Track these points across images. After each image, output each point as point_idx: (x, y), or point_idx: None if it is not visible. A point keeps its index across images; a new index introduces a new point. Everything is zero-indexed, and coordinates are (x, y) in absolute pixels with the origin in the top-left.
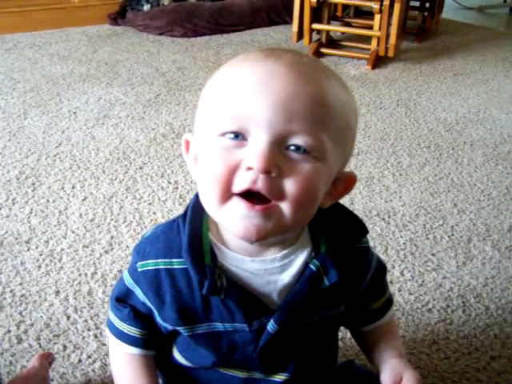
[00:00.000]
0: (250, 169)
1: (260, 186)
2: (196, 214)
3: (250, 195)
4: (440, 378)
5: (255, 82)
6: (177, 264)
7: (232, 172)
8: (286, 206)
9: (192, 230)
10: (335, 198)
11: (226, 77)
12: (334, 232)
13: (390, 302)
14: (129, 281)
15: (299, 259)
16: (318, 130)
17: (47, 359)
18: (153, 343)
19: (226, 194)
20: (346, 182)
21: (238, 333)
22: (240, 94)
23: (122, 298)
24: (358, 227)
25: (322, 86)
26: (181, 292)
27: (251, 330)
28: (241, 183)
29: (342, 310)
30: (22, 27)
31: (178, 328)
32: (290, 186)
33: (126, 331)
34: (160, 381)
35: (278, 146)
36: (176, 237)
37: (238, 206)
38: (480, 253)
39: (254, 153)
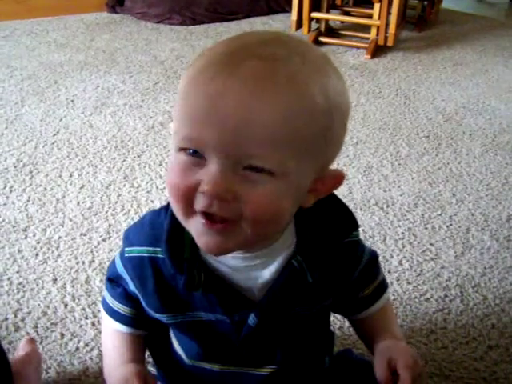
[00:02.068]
0: (204, 193)
1: (215, 210)
2: None
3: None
4: (437, 368)
5: (207, 102)
6: (160, 253)
7: (191, 192)
8: (245, 225)
9: (173, 223)
10: (319, 196)
11: (185, 90)
12: (322, 227)
13: (381, 288)
14: (119, 265)
15: (281, 256)
16: (275, 150)
17: (35, 344)
18: (142, 323)
19: (189, 211)
20: (331, 181)
21: (219, 324)
22: (193, 115)
23: (114, 280)
24: (347, 221)
25: (284, 103)
26: (164, 280)
27: (232, 323)
28: (198, 204)
29: (329, 304)
30: (19, 14)
31: (162, 315)
32: (246, 208)
33: (116, 308)
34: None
35: (233, 168)
36: (161, 226)
37: (200, 222)
38: (478, 243)
39: (208, 178)
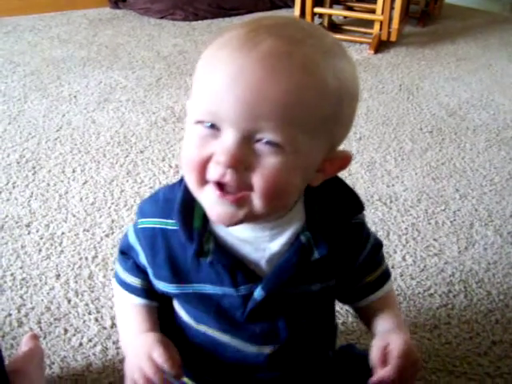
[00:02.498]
0: (218, 163)
1: (228, 179)
2: None
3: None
4: (441, 363)
5: (226, 78)
6: (171, 225)
7: (205, 162)
8: (255, 197)
9: (185, 194)
10: (326, 176)
11: (205, 66)
12: (330, 206)
13: (385, 276)
14: (132, 236)
15: (290, 229)
16: (287, 126)
17: (38, 339)
18: (155, 294)
19: (202, 181)
20: (339, 162)
21: (226, 297)
22: (212, 90)
23: (126, 252)
24: (354, 202)
25: (297, 81)
26: (173, 251)
27: (239, 295)
28: (212, 174)
29: (333, 285)
30: (21, 10)
31: (170, 285)
32: (256, 179)
33: (128, 281)
34: None
35: (247, 141)
36: (174, 199)
37: (212, 192)
38: (482, 238)
39: (222, 149)
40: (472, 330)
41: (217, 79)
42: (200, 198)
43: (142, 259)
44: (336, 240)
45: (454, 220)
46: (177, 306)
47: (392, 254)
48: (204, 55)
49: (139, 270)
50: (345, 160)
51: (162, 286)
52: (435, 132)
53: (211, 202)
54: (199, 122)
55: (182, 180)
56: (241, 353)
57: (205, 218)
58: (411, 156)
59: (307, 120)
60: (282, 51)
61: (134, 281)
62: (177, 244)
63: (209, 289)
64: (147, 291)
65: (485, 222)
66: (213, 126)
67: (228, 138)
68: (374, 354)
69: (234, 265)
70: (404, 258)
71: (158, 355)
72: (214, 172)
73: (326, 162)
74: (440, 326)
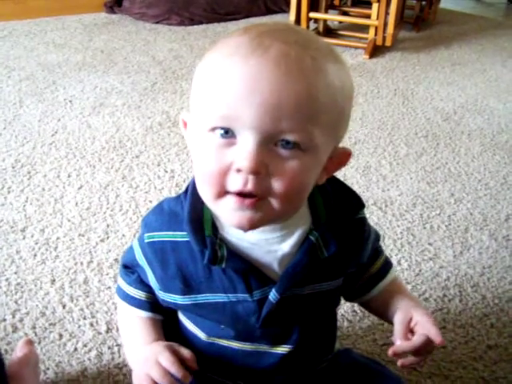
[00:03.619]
0: (239, 170)
1: (250, 187)
2: (197, 188)
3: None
4: (437, 367)
5: (242, 82)
6: (180, 237)
7: (224, 173)
8: (274, 200)
9: (193, 203)
10: (330, 173)
11: (214, 72)
12: (333, 205)
13: (387, 264)
14: (138, 251)
15: (299, 230)
16: (308, 125)
17: (33, 345)
18: (159, 308)
19: (221, 193)
20: (341, 158)
21: (240, 303)
22: (227, 94)
23: (129, 266)
24: (355, 200)
25: (312, 81)
26: (184, 263)
27: (253, 300)
28: (233, 185)
29: (340, 284)
30: (17, 15)
31: (181, 297)
32: (277, 184)
33: (132, 294)
34: None
35: (267, 144)
36: (180, 211)
37: (231, 201)
38: (477, 242)
39: (243, 154)
40: (467, 334)
41: (233, 84)
42: (217, 208)
43: (149, 276)
44: (343, 237)
45: (449, 224)
46: (183, 318)
47: None
48: (207, 64)
49: (143, 284)
50: (345, 156)
51: (172, 298)
52: (430, 136)
53: (231, 210)
54: (213, 128)
55: (186, 191)
56: (254, 355)
57: (214, 227)
58: (406, 160)
59: (321, 118)
60: (292, 54)
61: (139, 294)
62: (187, 256)
63: (222, 297)
64: (152, 304)
65: (480, 226)
66: (227, 133)
67: (248, 143)
68: (398, 329)
69: (248, 269)
70: (399, 263)
71: (165, 359)
72: (235, 182)
73: (328, 160)
74: None
